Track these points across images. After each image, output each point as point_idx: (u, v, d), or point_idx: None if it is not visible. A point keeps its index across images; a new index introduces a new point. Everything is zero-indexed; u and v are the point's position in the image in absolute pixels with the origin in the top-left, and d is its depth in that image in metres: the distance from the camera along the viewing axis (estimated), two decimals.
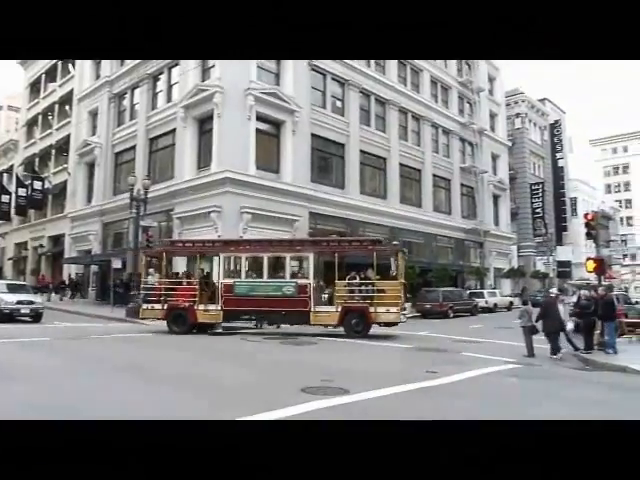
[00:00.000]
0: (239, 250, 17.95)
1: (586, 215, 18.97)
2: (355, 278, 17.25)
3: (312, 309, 16.54)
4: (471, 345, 14.70)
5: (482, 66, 42.98)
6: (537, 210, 50.44)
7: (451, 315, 26.97)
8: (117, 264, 24.44)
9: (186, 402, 7.04)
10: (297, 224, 25.92)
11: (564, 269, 53.81)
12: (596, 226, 18.22)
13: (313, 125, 28.07)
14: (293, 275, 17.49)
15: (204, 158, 25.83)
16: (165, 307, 17.36)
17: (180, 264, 20.77)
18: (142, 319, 18.60)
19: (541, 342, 13.82)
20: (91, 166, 34.08)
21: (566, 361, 12.24)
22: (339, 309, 16.45)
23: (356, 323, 16.53)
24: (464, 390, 8.44)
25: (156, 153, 29.51)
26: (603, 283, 18.20)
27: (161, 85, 29.28)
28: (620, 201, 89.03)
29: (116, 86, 32.26)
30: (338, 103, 30.35)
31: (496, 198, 44.32)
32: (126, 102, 32.23)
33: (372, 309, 16.20)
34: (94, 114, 34.19)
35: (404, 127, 34.59)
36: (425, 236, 34.38)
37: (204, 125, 26.14)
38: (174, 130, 27.34)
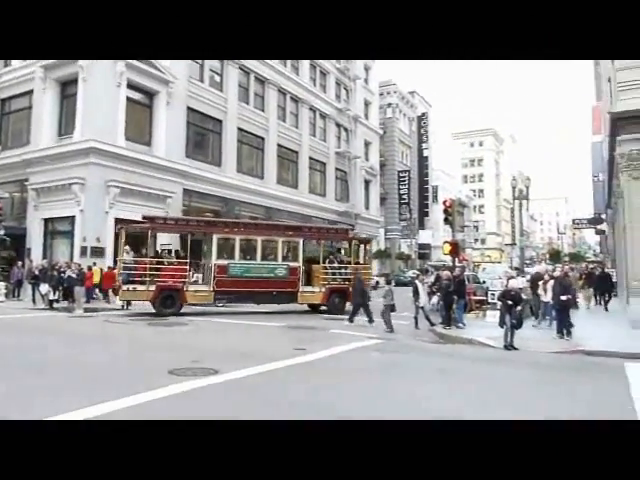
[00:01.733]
0: (233, 232, 18.09)
1: (445, 202, 20.72)
2: (333, 262, 19.53)
3: (300, 290, 18.21)
4: (339, 322, 15.43)
5: None
6: (403, 196, 53.85)
7: None
8: None
9: (45, 388, 6.59)
10: (170, 201, 24.96)
11: (424, 251, 58.37)
12: (453, 212, 19.99)
13: (190, 98, 27.03)
14: (284, 258, 18.44)
15: (66, 125, 23.70)
16: (152, 288, 16.40)
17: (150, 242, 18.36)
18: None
19: (399, 318, 14.94)
20: None
21: (423, 336, 13.38)
22: (323, 290, 18.41)
23: (339, 302, 18.56)
24: (330, 365, 8.88)
25: (8, 116, 26.43)
26: (457, 264, 20.09)
27: None
28: (475, 190, 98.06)
29: None
30: (217, 78, 29.51)
31: (367, 183, 46.44)
32: None
33: (350, 290, 17.43)
34: None
35: (283, 108, 34.70)
36: (301, 217, 35.05)
37: (67, 89, 23.91)
38: (31, 91, 24.65)
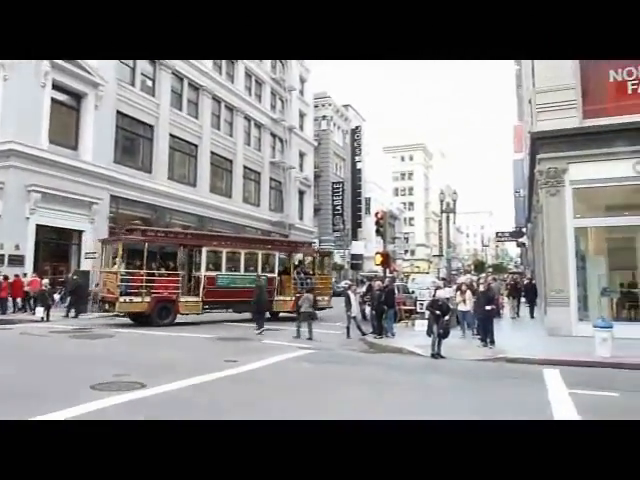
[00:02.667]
0: (221, 245, 19.25)
1: (377, 214, 21.22)
2: (300, 273, 21.11)
3: (274, 299, 19.69)
4: (271, 332, 15.31)
5: (295, 66, 44.77)
6: (337, 207, 54.56)
7: None
8: None
9: None
10: (96, 207, 23.91)
11: (357, 262, 59.25)
12: (384, 224, 20.50)
13: (120, 102, 26.10)
14: (262, 270, 19.65)
15: None
16: (147, 299, 16.81)
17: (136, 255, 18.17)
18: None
19: (332, 328, 15.04)
20: None
21: (355, 345, 13.54)
22: (294, 298, 19.20)
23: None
24: (259, 377, 8.79)
25: None
26: (388, 275, 20.56)
27: None
28: (405, 203, 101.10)
29: None
30: (149, 82, 28.71)
31: (302, 193, 46.71)
32: None
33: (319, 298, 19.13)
34: None
35: (217, 116, 34.28)
36: (234, 227, 34.61)
37: None
38: None
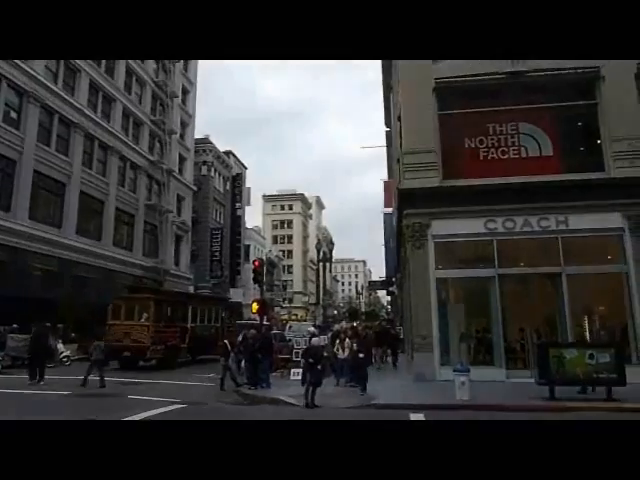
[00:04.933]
0: (193, 303, 24.82)
1: (255, 262, 21.25)
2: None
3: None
4: (139, 387, 14.37)
5: (176, 109, 44.35)
6: (215, 253, 53.69)
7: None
8: None
9: None
10: None
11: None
12: (262, 272, 20.57)
13: None
14: (215, 320, 25.71)
15: None
16: (164, 347, 20.67)
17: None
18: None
19: (206, 380, 14.51)
20: None
21: (229, 397, 13.16)
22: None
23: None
24: None
25: None
26: (265, 323, 20.50)
27: None
28: (284, 251, 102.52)
29: None
30: (13, 114, 26.57)
31: (178, 239, 45.36)
32: None
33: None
34: None
35: (89, 154, 32.51)
36: (104, 272, 32.41)
37: None
38: None
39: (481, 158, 16.94)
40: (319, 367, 11.74)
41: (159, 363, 20.71)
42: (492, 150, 16.91)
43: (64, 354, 22.10)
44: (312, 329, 21.29)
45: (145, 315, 20.32)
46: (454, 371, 12.25)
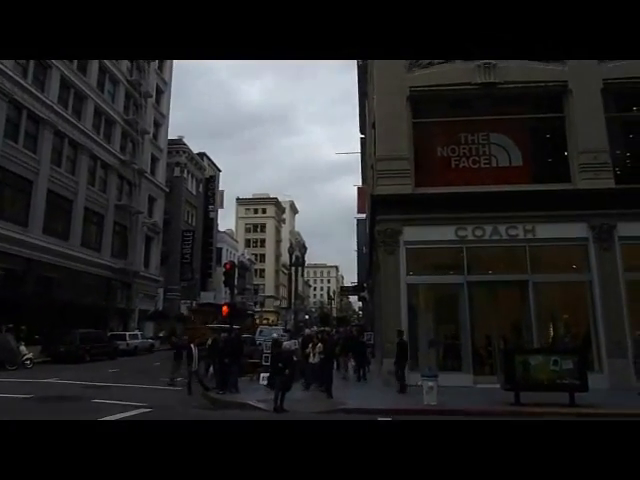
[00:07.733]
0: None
1: (226, 265, 21.03)
2: None
3: None
4: (104, 391, 14.06)
5: (149, 109, 43.78)
6: (186, 256, 52.99)
7: (88, 359, 25.24)
8: None
9: None
10: None
11: None
12: (233, 275, 20.38)
13: None
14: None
15: None
16: None
17: None
18: None
19: (181, 384, 14.28)
20: None
21: (196, 402, 12.99)
22: None
23: None
24: None
25: None
26: (234, 327, 20.30)
27: None
28: (257, 255, 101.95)
29: None
30: None
31: (149, 240, 44.66)
32: None
33: None
34: None
35: (59, 152, 31.76)
36: (70, 272, 31.64)
37: None
38: None
39: (453, 166, 17.21)
40: (287, 372, 11.68)
41: None
42: (464, 159, 17.19)
43: (26, 356, 21.48)
44: (275, 335, 21.16)
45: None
46: (422, 376, 12.36)
